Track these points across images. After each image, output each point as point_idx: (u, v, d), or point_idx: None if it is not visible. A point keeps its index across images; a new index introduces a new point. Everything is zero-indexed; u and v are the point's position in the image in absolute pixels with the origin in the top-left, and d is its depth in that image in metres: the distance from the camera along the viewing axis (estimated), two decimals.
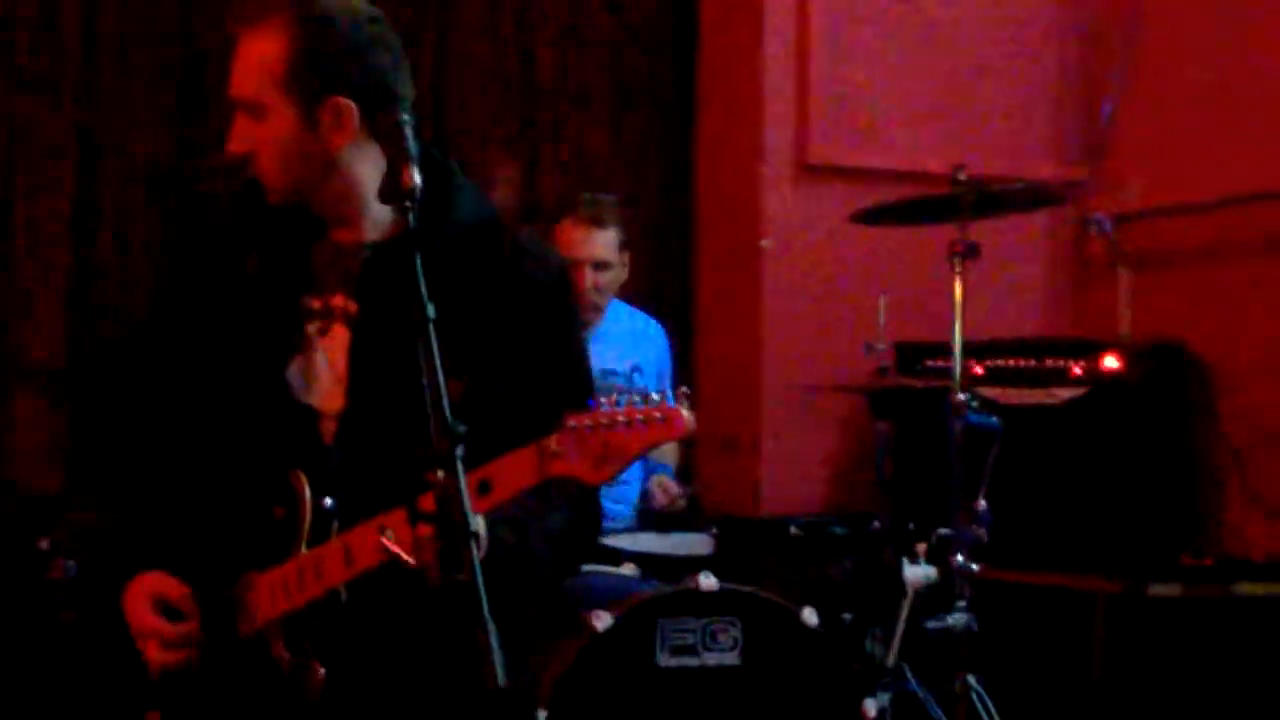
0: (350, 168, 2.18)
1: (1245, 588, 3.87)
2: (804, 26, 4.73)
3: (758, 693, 3.14)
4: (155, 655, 2.18)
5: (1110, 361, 4.14)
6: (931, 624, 3.46)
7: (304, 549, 2.09)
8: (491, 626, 1.68)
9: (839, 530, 3.93)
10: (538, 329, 2.22)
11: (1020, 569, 3.97)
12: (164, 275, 2.51)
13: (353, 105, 2.14)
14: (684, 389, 1.90)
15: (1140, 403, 4.20)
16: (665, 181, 4.95)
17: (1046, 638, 3.92)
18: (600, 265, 3.89)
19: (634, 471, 3.82)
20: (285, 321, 2.22)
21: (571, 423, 1.85)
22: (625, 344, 4.02)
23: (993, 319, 4.54)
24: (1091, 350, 4.17)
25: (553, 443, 1.86)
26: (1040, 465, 4.11)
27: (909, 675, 3.71)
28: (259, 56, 2.15)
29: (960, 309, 3.51)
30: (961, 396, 3.49)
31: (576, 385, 2.25)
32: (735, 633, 3.13)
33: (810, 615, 3.19)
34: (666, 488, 3.90)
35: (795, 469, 4.74)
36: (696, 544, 3.71)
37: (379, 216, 2.20)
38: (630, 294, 4.17)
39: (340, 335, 2.21)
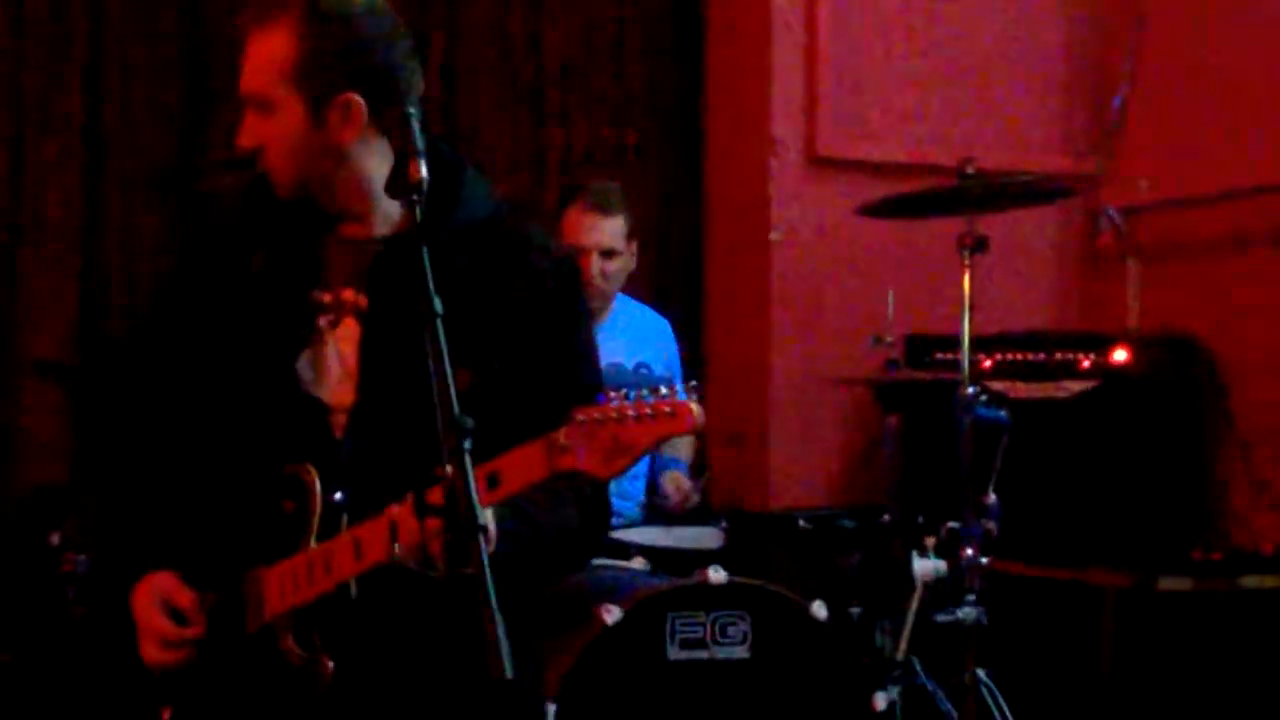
0: (359, 163, 2.19)
1: (1254, 581, 3.86)
2: (813, 19, 4.72)
3: (767, 686, 3.15)
4: (153, 654, 2.19)
5: (1119, 355, 4.13)
6: (941, 617, 3.46)
7: (313, 543, 2.09)
8: (499, 620, 1.68)
9: (848, 524, 3.92)
10: (546, 321, 2.22)
11: (1029, 562, 3.97)
12: (168, 270, 2.50)
13: (361, 101, 2.14)
14: (692, 383, 1.89)
15: (1149, 396, 4.20)
16: (674, 174, 4.94)
17: (1056, 631, 3.92)
18: (607, 253, 3.83)
19: (641, 466, 3.82)
20: (295, 315, 2.22)
21: (580, 417, 1.85)
22: (633, 341, 4.01)
23: (1002, 312, 4.54)
24: (1100, 343, 4.17)
25: (561, 437, 1.86)
26: (1049, 458, 4.10)
27: (918, 669, 3.71)
28: (269, 53, 2.15)
29: (969, 302, 3.50)
30: (970, 390, 3.49)
31: (585, 378, 2.25)
32: (744, 626, 3.13)
33: (819, 609, 3.19)
34: (679, 484, 3.88)
35: (804, 462, 4.74)
36: (705, 537, 3.71)
37: (389, 211, 2.20)
38: (639, 287, 4.15)
39: (350, 329, 2.21)
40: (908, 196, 3.70)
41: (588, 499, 2.23)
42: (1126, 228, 4.90)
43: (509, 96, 4.72)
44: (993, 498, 3.45)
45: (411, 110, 1.92)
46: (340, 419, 2.19)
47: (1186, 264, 4.74)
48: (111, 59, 4.31)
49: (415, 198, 1.86)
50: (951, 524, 3.53)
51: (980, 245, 3.51)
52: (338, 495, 2.10)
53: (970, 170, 3.52)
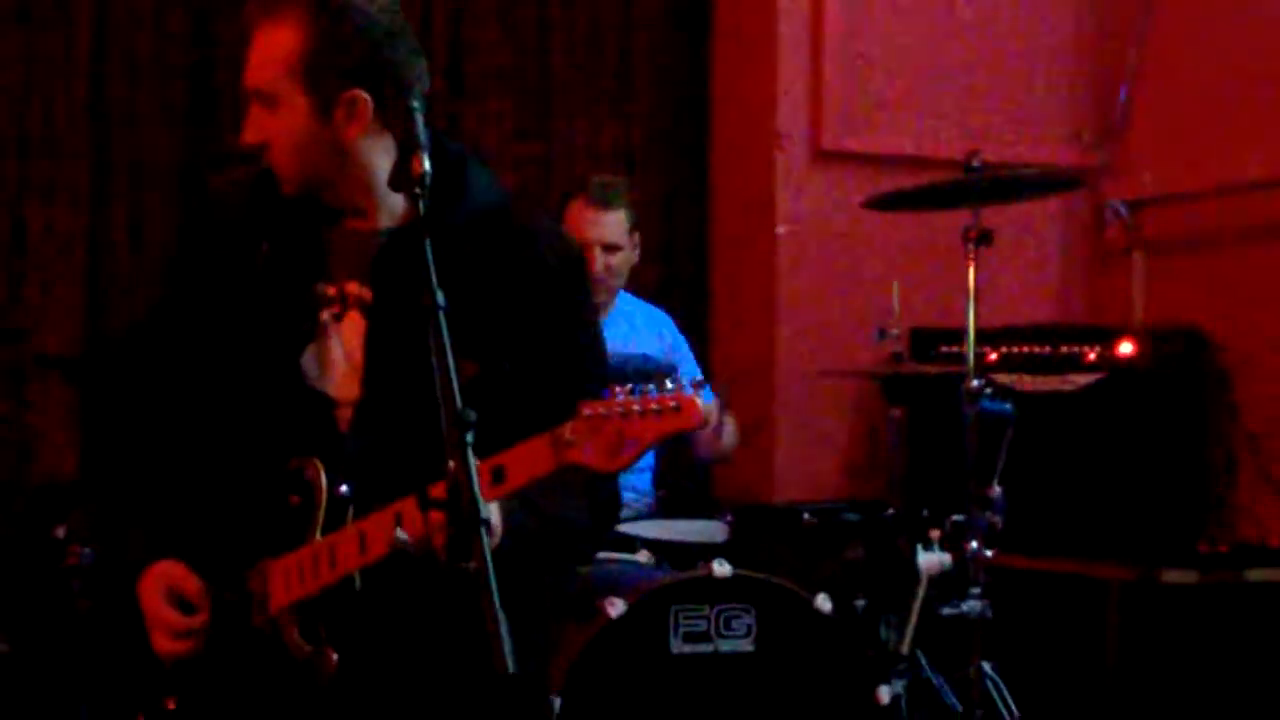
0: (364, 157, 2.19)
1: (1260, 574, 3.86)
2: (818, 12, 4.71)
3: (771, 679, 3.15)
4: (162, 644, 2.19)
5: (1125, 347, 4.13)
6: (946, 610, 3.46)
7: (319, 536, 2.09)
8: (501, 614, 1.68)
9: (853, 517, 3.92)
10: (552, 314, 2.22)
11: (1035, 555, 3.97)
12: (173, 264, 2.50)
13: (367, 97, 2.14)
14: (698, 377, 1.89)
15: (1155, 389, 4.19)
16: (680, 169, 4.94)
17: (1061, 624, 3.92)
18: (610, 247, 3.83)
19: (647, 460, 3.82)
20: (299, 309, 2.22)
21: (586, 411, 1.85)
22: (636, 337, 4.01)
23: (1007, 305, 4.55)
24: (1106, 336, 4.17)
25: (567, 431, 1.86)
26: (1054, 451, 4.10)
27: (923, 662, 3.71)
28: (274, 48, 2.15)
29: (974, 295, 3.50)
30: (975, 383, 3.49)
31: (592, 370, 2.25)
32: (749, 619, 3.14)
33: (824, 602, 3.19)
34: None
35: (809, 455, 4.73)
36: (710, 531, 3.71)
37: (393, 204, 2.20)
38: (645, 281, 4.14)
39: (355, 323, 2.21)
40: (913, 190, 3.70)
41: (598, 490, 2.23)
42: (1132, 221, 4.89)
43: (515, 90, 4.72)
44: (998, 491, 3.45)
45: (415, 104, 1.93)
46: (345, 413, 2.20)
47: (1192, 257, 4.73)
48: (116, 57, 4.31)
49: (418, 191, 1.87)
50: (956, 517, 3.53)
51: (986, 238, 3.51)
52: (343, 489, 2.11)
53: (976, 163, 3.52)
